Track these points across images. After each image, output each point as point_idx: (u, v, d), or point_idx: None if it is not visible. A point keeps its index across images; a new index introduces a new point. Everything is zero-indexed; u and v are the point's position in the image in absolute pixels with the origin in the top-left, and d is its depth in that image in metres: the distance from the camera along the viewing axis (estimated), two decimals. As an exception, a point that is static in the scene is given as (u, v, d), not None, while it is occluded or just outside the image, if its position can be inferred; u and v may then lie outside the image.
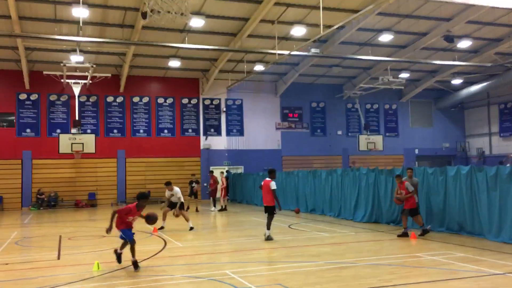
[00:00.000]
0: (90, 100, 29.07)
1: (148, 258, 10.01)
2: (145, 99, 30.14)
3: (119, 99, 29.58)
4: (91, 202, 28.19)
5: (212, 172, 24.04)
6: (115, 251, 9.16)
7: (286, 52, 22.80)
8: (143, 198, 9.16)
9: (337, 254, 10.22)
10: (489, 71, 30.71)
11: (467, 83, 33.43)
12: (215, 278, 7.96)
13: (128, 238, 8.89)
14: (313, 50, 23.95)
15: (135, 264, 8.75)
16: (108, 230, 8.90)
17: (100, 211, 24.49)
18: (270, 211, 12.18)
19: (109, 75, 26.88)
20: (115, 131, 29.45)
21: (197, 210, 21.99)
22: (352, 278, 7.81)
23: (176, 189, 14.59)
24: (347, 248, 11.04)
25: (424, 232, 12.14)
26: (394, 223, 14.71)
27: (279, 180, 23.17)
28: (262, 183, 12.42)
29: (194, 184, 22.02)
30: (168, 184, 14.61)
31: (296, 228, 14.93)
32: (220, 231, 15.81)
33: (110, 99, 29.39)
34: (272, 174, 12.44)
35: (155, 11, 15.66)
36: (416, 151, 35.48)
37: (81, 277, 8.29)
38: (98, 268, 8.79)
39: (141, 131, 29.96)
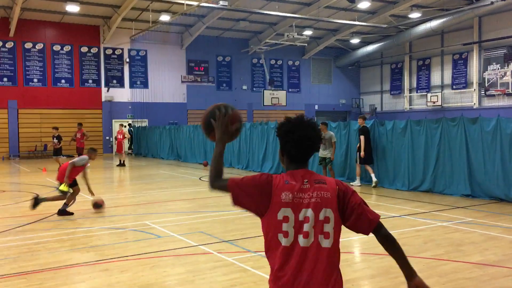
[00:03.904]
0: (-25, 44, 26.30)
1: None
2: (39, 46, 27.88)
3: (9, 45, 27.05)
4: (-20, 157, 26.05)
5: (80, 124, 20.70)
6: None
7: (195, 3, 22.29)
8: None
9: (251, 203, 10.69)
10: (383, 32, 32.66)
11: (364, 43, 35.31)
12: (136, 229, 8.00)
13: None
14: (221, 3, 23.66)
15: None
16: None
17: (-9, 166, 22.74)
18: None
19: (-3, 17, 24.43)
20: (5, 79, 27.06)
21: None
22: (268, 224, 8.29)
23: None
24: (259, 197, 11.56)
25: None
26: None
27: (187, 133, 23.18)
28: None
29: (55, 140, 19.15)
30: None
31: (207, 180, 15.20)
32: (131, 184, 15.60)
33: (-2, 44, 26.81)
34: None
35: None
36: (316, 106, 37.15)
37: (-11, 233, 7.85)
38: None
39: (35, 80, 27.84)
